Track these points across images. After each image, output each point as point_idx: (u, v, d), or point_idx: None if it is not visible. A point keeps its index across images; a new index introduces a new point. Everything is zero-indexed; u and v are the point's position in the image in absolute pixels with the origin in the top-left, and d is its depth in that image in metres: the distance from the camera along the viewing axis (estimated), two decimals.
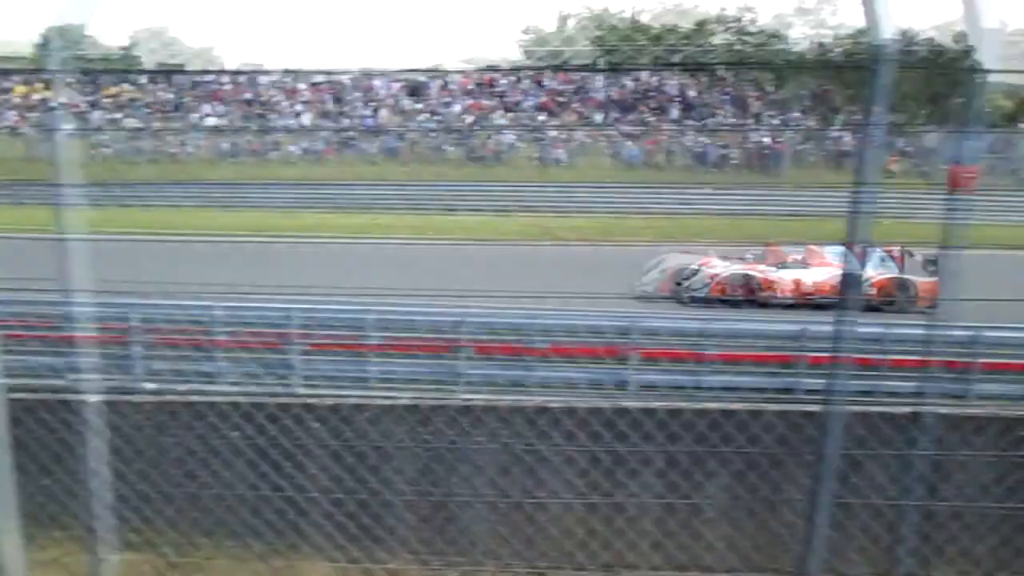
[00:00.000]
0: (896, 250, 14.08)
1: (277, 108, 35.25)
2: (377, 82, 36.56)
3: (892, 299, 13.43)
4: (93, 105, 35.59)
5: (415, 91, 37.06)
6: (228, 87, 36.31)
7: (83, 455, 4.27)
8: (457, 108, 35.85)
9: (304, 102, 35.53)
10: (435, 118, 34.99)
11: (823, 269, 13.85)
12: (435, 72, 39.50)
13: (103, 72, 38.30)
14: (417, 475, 4.29)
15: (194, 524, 4.39)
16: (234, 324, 8.64)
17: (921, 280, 13.69)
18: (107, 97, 36.41)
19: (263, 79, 36.33)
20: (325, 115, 34.60)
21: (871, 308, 12.72)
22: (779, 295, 13.81)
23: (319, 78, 36.46)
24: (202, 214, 22.11)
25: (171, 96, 36.48)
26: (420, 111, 35.58)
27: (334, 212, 23.52)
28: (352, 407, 4.26)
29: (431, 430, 4.27)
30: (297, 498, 4.22)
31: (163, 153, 31.06)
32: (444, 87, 37.56)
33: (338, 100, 36.01)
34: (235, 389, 8.18)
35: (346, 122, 34.24)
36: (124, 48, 46.78)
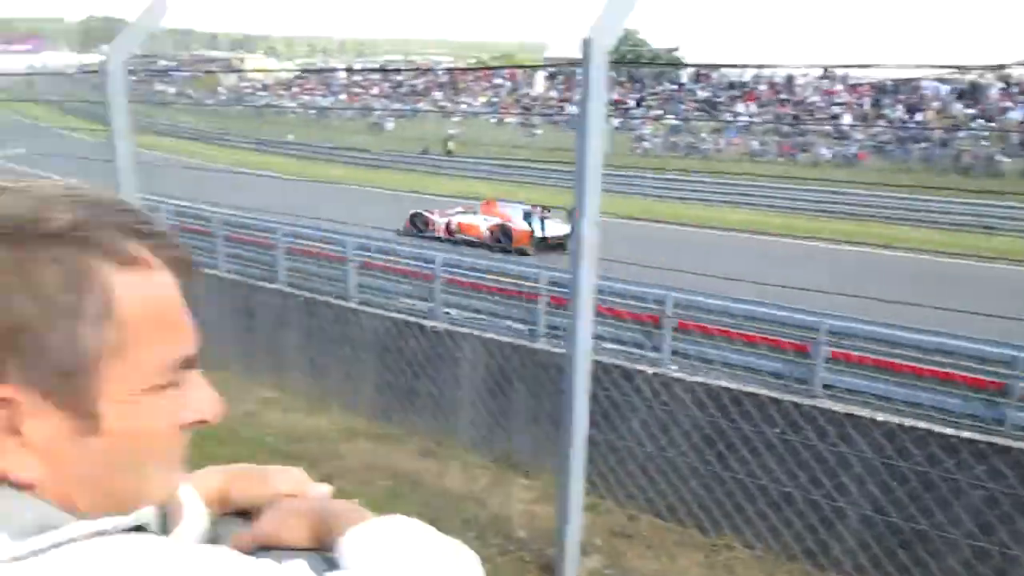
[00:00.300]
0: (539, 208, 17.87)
1: (813, 109, 34.57)
2: (924, 83, 33.50)
3: (496, 242, 17.79)
4: (639, 103, 39.16)
5: (968, 94, 33.09)
6: (763, 87, 36.76)
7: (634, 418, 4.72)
8: (1019, 115, 31.07)
9: (841, 103, 34.24)
10: (990, 125, 30.80)
11: (474, 216, 18.71)
12: (996, 71, 34.63)
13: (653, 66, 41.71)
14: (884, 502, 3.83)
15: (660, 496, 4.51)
16: (761, 321, 8.74)
17: (519, 228, 17.84)
18: (651, 95, 39.70)
19: (800, 80, 35.88)
20: (862, 117, 32.84)
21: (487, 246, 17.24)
22: (437, 232, 18.55)
23: (858, 78, 34.73)
24: (727, 212, 22.87)
25: (708, 95, 38.28)
26: (972, 117, 31.65)
27: (856, 221, 22.33)
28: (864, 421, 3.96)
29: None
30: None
31: (697, 149, 32.77)
32: (1004, 90, 32.86)
33: (877, 102, 33.93)
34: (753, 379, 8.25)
35: (883, 125, 32.08)
36: (670, 50, 50.45)
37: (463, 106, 43.43)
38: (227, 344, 7.76)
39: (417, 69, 52.22)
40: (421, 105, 43.65)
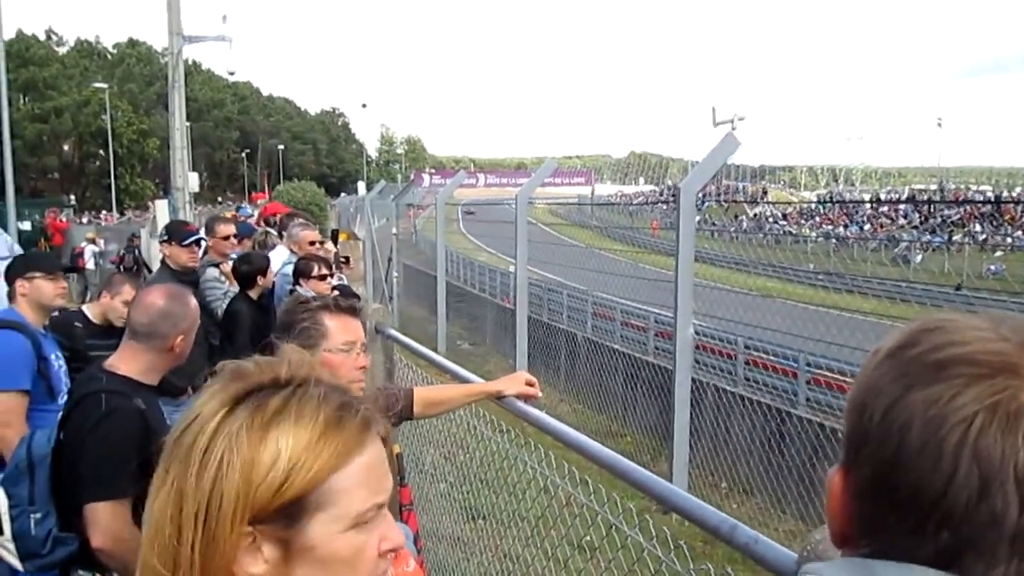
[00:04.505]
0: None
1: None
2: None
3: None
4: None
5: None
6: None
7: None
8: None
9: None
10: None
11: None
12: None
13: None
14: None
15: None
16: None
17: None
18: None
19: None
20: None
21: None
22: None
23: None
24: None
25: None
26: None
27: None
28: None
29: None
30: None
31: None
32: None
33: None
34: None
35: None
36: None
37: (1008, 239, 38.35)
38: (753, 469, 7.74)
39: (955, 201, 47.98)
40: (956, 237, 39.75)
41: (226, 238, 5.88)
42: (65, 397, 2.35)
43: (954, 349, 0.68)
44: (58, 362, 3.47)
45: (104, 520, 2.18)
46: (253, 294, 5.05)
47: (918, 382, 0.67)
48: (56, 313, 3.91)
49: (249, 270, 5.07)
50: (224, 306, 5.18)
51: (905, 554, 0.67)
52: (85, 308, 4.26)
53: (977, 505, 0.63)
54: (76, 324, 4.04)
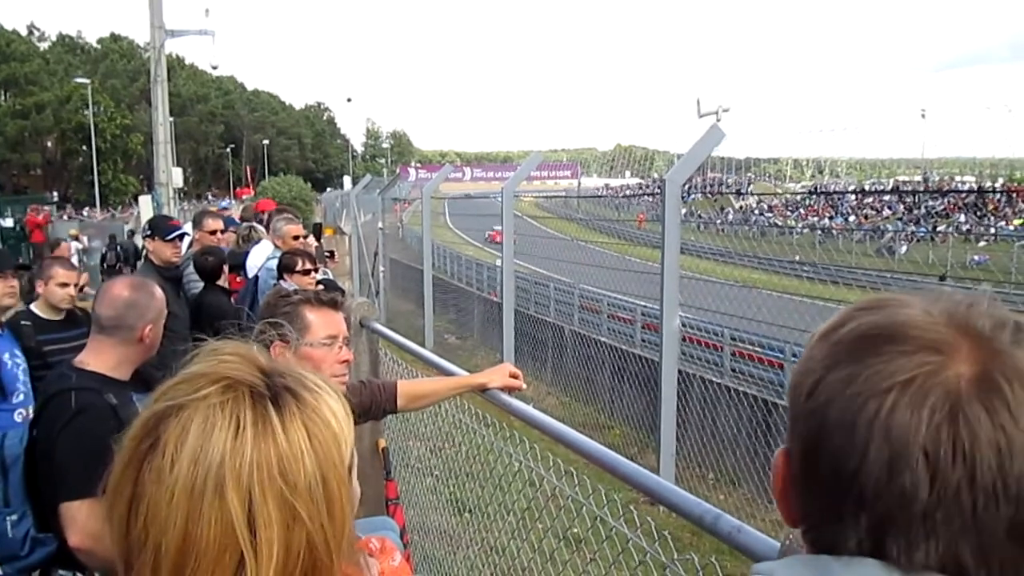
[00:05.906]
0: None
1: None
2: None
3: None
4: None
5: None
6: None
7: None
8: None
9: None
10: None
11: None
12: None
13: None
14: None
15: None
16: None
17: None
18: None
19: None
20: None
21: None
22: None
23: None
24: None
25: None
26: None
27: None
28: None
29: None
30: None
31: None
32: None
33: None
34: None
35: None
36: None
37: (992, 229, 38.65)
38: (740, 460, 7.77)
39: (939, 192, 48.23)
40: (940, 228, 40.01)
41: (213, 232, 5.86)
42: (21, 396, 2.32)
43: (881, 328, 0.67)
44: (12, 360, 3.42)
45: (80, 519, 2.14)
46: (222, 283, 5.29)
47: (842, 360, 0.67)
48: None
49: (215, 262, 5.23)
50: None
51: (833, 540, 0.66)
52: (32, 306, 4.21)
53: (888, 483, 0.62)
54: (24, 323, 3.99)
